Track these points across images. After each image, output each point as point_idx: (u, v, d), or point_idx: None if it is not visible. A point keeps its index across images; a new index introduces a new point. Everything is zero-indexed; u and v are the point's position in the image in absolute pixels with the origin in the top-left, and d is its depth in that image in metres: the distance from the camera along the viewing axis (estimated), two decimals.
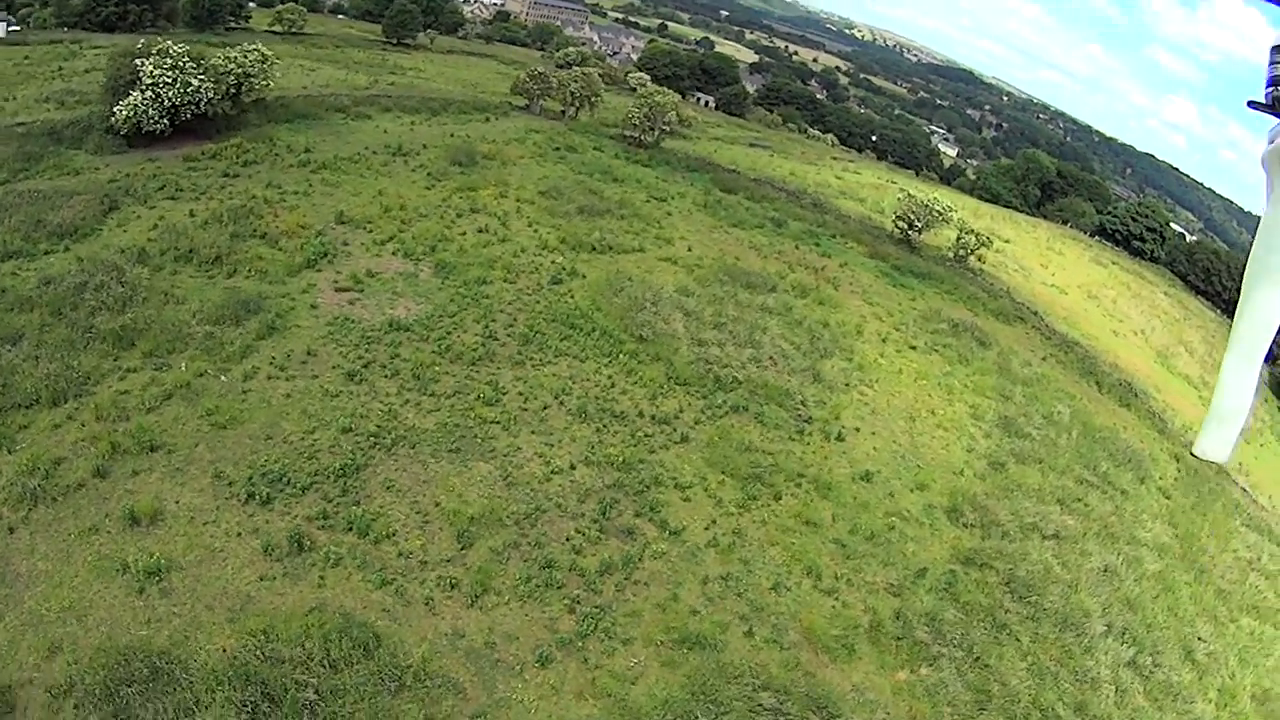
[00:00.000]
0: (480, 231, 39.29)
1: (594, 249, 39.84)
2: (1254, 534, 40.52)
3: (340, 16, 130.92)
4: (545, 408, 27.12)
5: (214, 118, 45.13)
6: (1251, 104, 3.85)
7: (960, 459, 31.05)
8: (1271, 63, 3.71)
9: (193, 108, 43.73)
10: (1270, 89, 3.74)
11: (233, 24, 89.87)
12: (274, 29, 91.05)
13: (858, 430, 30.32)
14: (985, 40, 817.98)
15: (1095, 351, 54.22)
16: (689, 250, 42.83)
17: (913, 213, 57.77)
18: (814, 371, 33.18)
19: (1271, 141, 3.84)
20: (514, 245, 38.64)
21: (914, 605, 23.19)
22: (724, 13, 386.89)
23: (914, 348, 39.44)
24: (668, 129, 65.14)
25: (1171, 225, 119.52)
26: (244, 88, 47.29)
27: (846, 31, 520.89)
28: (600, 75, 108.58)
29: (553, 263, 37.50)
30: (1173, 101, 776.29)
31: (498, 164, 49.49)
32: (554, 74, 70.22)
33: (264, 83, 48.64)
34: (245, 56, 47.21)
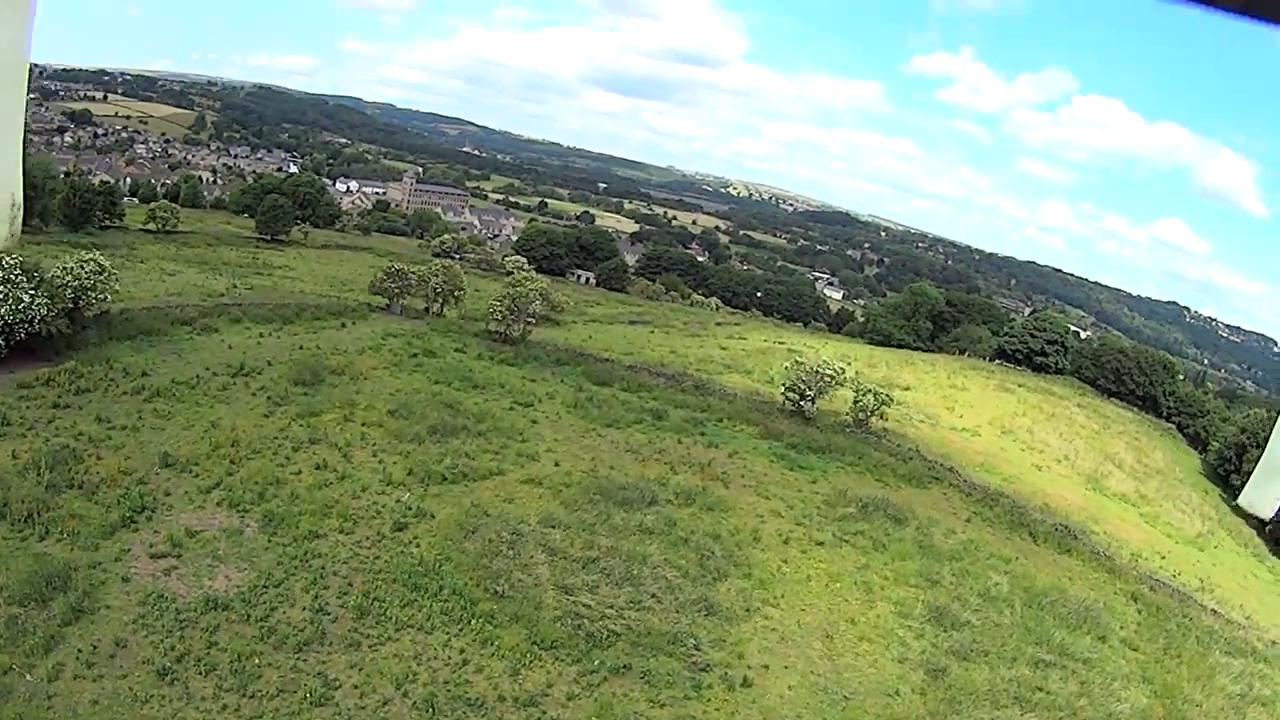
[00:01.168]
0: (318, 468, 37.29)
1: (445, 479, 37.96)
2: (1237, 660, 40.29)
3: (222, 210, 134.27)
4: (385, 703, 24.85)
5: (51, 337, 42.92)
6: None
7: (892, 675, 29.78)
8: None
9: (26, 326, 41.54)
10: None
11: (107, 223, 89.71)
12: (148, 227, 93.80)
13: (767, 668, 28.77)
14: (858, 180, 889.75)
15: (1022, 496, 54.52)
16: (556, 466, 41.60)
17: (803, 381, 58.34)
18: (706, 602, 31.64)
19: None
20: (354, 483, 36.63)
21: None
22: (602, 185, 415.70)
23: (821, 544, 38.61)
24: (533, 321, 64.98)
25: (1071, 329, 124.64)
26: (82, 302, 45.53)
27: (723, 190, 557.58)
28: (479, 261, 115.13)
29: (397, 503, 35.51)
30: (1047, 206, 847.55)
31: (346, 379, 47.97)
32: (414, 269, 69.91)
33: (103, 296, 47.01)
34: (82, 268, 45.62)
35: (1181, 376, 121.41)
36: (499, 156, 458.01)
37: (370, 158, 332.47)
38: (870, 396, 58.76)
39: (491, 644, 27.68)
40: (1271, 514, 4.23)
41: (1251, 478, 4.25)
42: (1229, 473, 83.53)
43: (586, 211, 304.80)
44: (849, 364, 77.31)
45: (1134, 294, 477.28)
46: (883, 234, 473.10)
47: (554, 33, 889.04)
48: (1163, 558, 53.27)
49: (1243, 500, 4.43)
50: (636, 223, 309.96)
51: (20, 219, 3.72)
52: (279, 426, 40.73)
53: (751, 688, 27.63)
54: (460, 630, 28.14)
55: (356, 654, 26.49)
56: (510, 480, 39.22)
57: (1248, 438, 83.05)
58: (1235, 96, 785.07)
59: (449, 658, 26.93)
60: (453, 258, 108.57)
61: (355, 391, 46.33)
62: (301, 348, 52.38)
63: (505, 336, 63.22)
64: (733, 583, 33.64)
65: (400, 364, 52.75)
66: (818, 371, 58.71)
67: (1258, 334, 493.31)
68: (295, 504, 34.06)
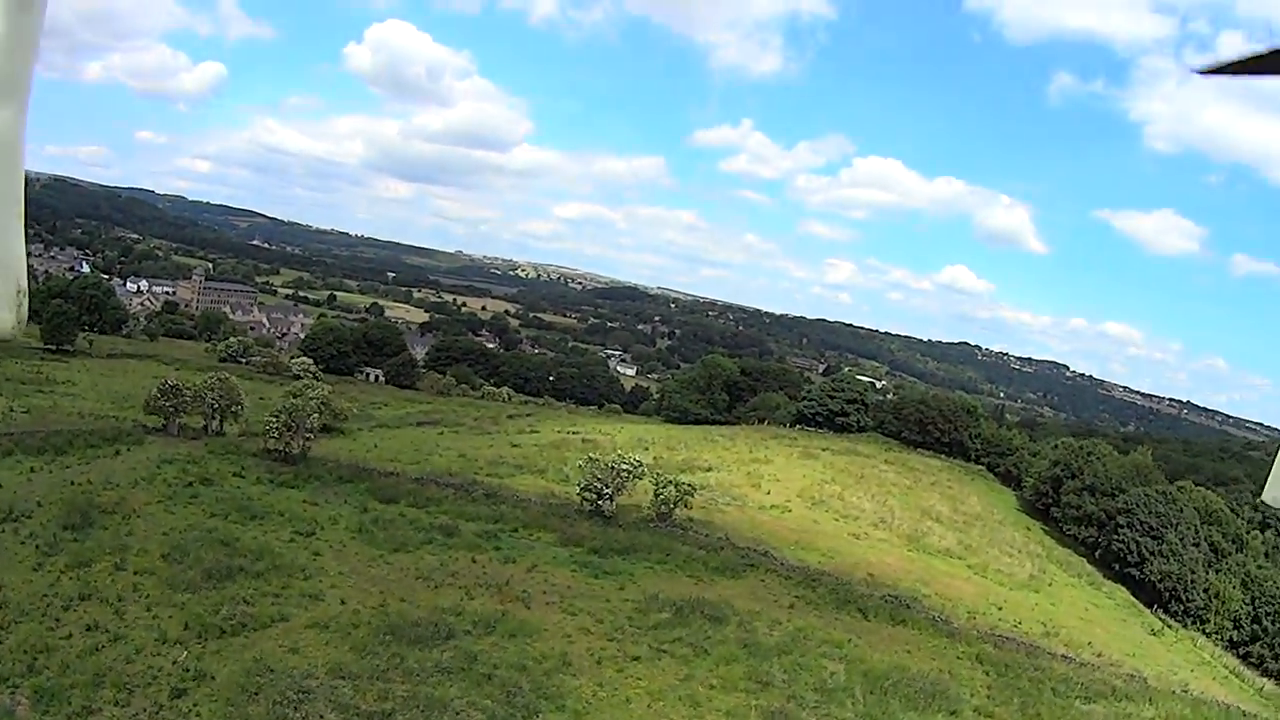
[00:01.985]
0: (89, 629, 33.48)
1: (224, 631, 34.25)
2: (1099, 704, 40.70)
3: None
4: None
5: None
6: None
7: None
8: None
9: None
10: None
11: None
12: None
13: None
14: (645, 254, 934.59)
15: (844, 570, 53.99)
16: (343, 604, 38.13)
17: (599, 479, 56.80)
18: None
19: None
20: (128, 645, 32.85)
21: None
22: (391, 274, 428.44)
23: (637, 658, 36.16)
24: (311, 436, 61.49)
25: (870, 383, 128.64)
26: None
27: (511, 273, 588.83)
28: (265, 365, 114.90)
29: (174, 664, 31.53)
30: (832, 264, 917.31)
31: (119, 519, 44.02)
32: (190, 385, 67.08)
33: None
34: None
35: (984, 415, 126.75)
36: (288, 249, 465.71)
37: (161, 254, 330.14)
38: (671, 488, 57.60)
39: None
40: None
41: (1272, 473, 4.14)
42: (1048, 506, 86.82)
43: (376, 303, 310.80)
44: (648, 447, 76.35)
45: (925, 339, 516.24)
46: (673, 305, 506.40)
47: (343, 121, 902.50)
48: (1000, 609, 53.53)
49: (1266, 495, 4.23)
50: (426, 312, 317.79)
51: (26, 305, 3.54)
52: (48, 581, 37.10)
53: None
54: None
55: None
56: (294, 626, 35.59)
57: (1061, 469, 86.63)
58: (1008, 146, 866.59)
59: None
60: (239, 362, 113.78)
61: (127, 533, 42.58)
62: (73, 483, 48.45)
63: (285, 455, 59.88)
64: (546, 719, 30.52)
65: (175, 496, 49.20)
66: (613, 468, 57.15)
67: (1049, 362, 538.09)
68: (67, 674, 30.66)
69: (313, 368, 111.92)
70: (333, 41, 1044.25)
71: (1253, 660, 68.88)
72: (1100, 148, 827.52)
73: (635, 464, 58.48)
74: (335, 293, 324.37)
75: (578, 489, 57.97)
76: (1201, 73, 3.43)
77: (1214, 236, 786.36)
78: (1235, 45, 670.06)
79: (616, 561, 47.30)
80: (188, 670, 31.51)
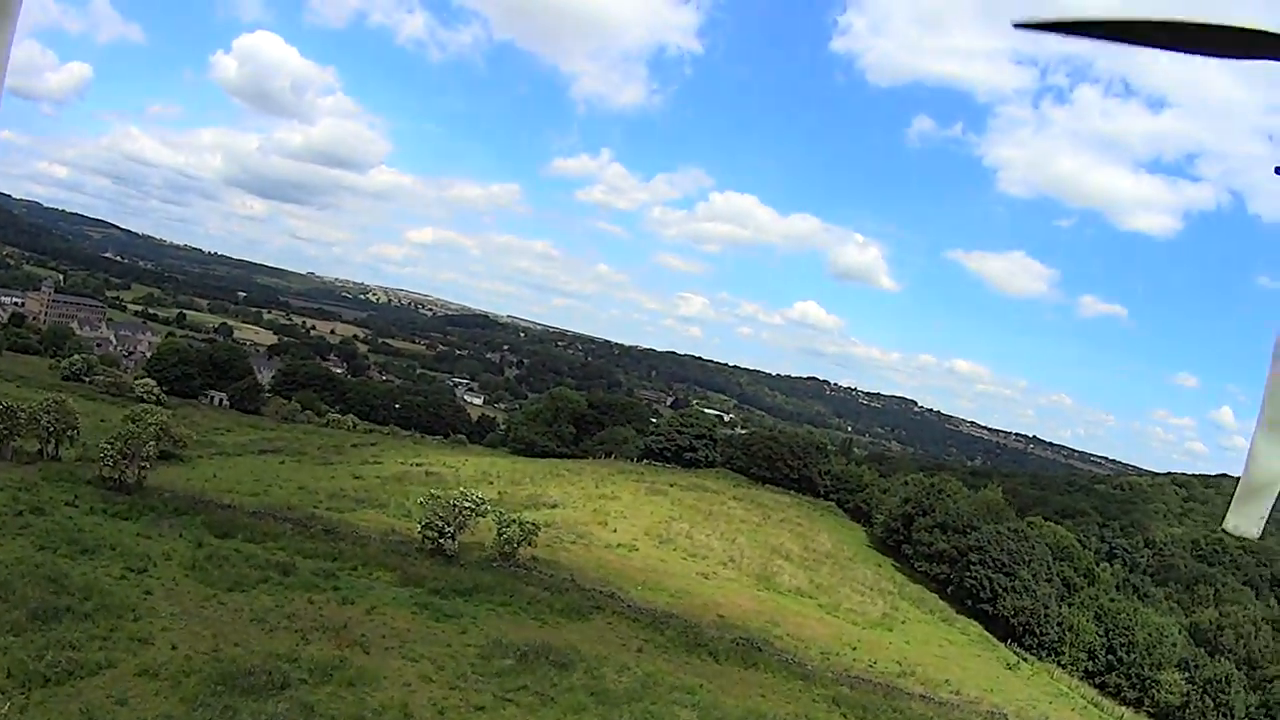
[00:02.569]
0: None
1: (48, 680, 31.52)
2: None
3: None
4: None
5: None
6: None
7: None
8: None
9: None
10: None
11: None
12: None
13: None
14: (497, 282, 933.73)
15: (693, 612, 54.05)
16: (174, 650, 35.90)
17: (440, 517, 55.80)
18: None
19: None
20: None
21: None
22: (242, 294, 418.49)
23: (481, 708, 35.21)
24: (147, 465, 59.29)
25: (719, 418, 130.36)
26: None
27: (362, 297, 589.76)
28: (109, 385, 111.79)
29: None
30: (684, 298, 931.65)
31: None
32: (24, 407, 64.64)
33: None
34: None
35: (834, 451, 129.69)
36: (141, 263, 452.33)
37: (12, 263, 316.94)
38: (515, 527, 57.18)
39: None
40: (1258, 533, 4.35)
41: (1233, 500, 4.36)
42: (899, 543, 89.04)
43: (225, 323, 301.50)
44: (492, 482, 75.40)
45: (773, 373, 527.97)
46: (522, 334, 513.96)
47: (204, 132, 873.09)
48: (854, 648, 54.36)
49: (1227, 524, 4.45)
50: (275, 334, 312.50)
51: None
52: None
53: None
54: None
55: None
56: (122, 673, 33.32)
57: (912, 506, 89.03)
58: (864, 185, 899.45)
59: None
60: (82, 381, 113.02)
61: None
62: None
63: (120, 483, 58.00)
64: None
65: (4, 526, 46.97)
66: (455, 505, 56.08)
67: (898, 397, 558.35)
68: None
69: (156, 390, 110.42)
70: (201, 48, 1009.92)
71: (1109, 690, 72.11)
72: (955, 191, 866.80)
73: (478, 502, 57.63)
74: (185, 311, 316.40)
75: (419, 527, 56.92)
76: (1018, 26, 3.64)
77: (1063, 278, 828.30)
78: (1092, 99, 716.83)
79: (458, 603, 46.23)
80: None
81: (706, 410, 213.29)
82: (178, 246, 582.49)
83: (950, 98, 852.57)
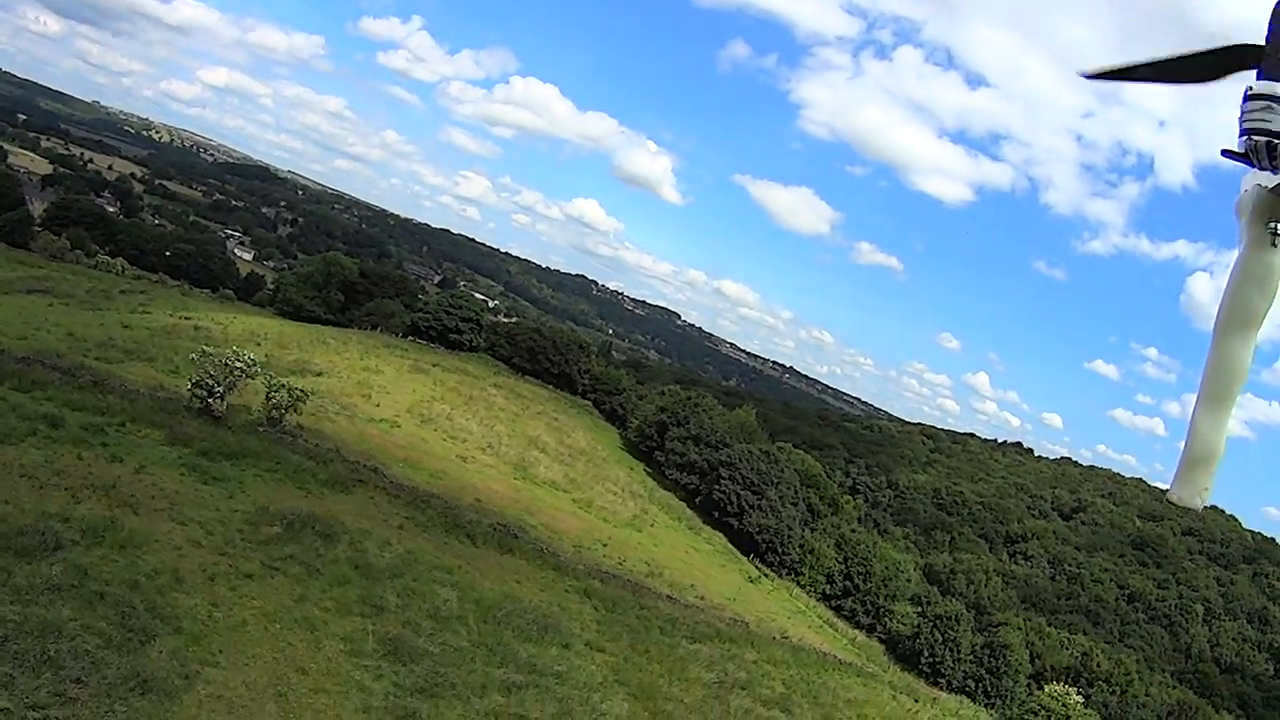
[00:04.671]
0: None
1: None
2: (705, 645, 44.64)
3: None
4: None
5: None
6: (1225, 152, 4.34)
7: None
8: (1244, 112, 4.11)
9: None
10: (1243, 138, 4.17)
11: None
12: None
13: None
14: (283, 135, 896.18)
15: (452, 493, 55.89)
16: None
17: (210, 376, 54.43)
18: (139, 677, 26.97)
19: (1244, 191, 4.56)
20: None
21: None
22: (22, 116, 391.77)
23: (250, 576, 35.34)
24: None
25: (486, 304, 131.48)
26: None
27: (145, 133, 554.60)
28: None
29: None
30: (466, 177, 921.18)
31: None
32: None
33: None
34: None
35: (595, 352, 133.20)
36: None
37: None
38: (284, 392, 56.83)
39: None
40: (1202, 505, 4.76)
41: (1176, 472, 4.80)
42: (652, 449, 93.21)
43: (1, 147, 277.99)
44: (259, 343, 74.27)
45: (544, 266, 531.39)
46: (300, 192, 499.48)
47: None
48: (605, 545, 57.45)
49: (1171, 495, 4.88)
50: (51, 163, 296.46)
51: None
52: None
53: None
54: None
55: None
56: None
57: (668, 415, 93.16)
58: (667, 97, 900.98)
59: None
60: None
61: None
62: None
63: None
64: (163, 643, 29.20)
65: None
66: (227, 364, 55.03)
67: (662, 308, 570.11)
68: None
69: None
70: None
71: (845, 613, 78.90)
72: (756, 119, 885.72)
73: (250, 362, 56.67)
74: None
75: (189, 385, 55.35)
76: (1088, 76, 4.29)
77: (846, 222, 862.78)
78: (912, 61, 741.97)
79: (225, 467, 45.77)
80: None
81: (475, 295, 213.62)
82: None
83: (770, 29, 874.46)
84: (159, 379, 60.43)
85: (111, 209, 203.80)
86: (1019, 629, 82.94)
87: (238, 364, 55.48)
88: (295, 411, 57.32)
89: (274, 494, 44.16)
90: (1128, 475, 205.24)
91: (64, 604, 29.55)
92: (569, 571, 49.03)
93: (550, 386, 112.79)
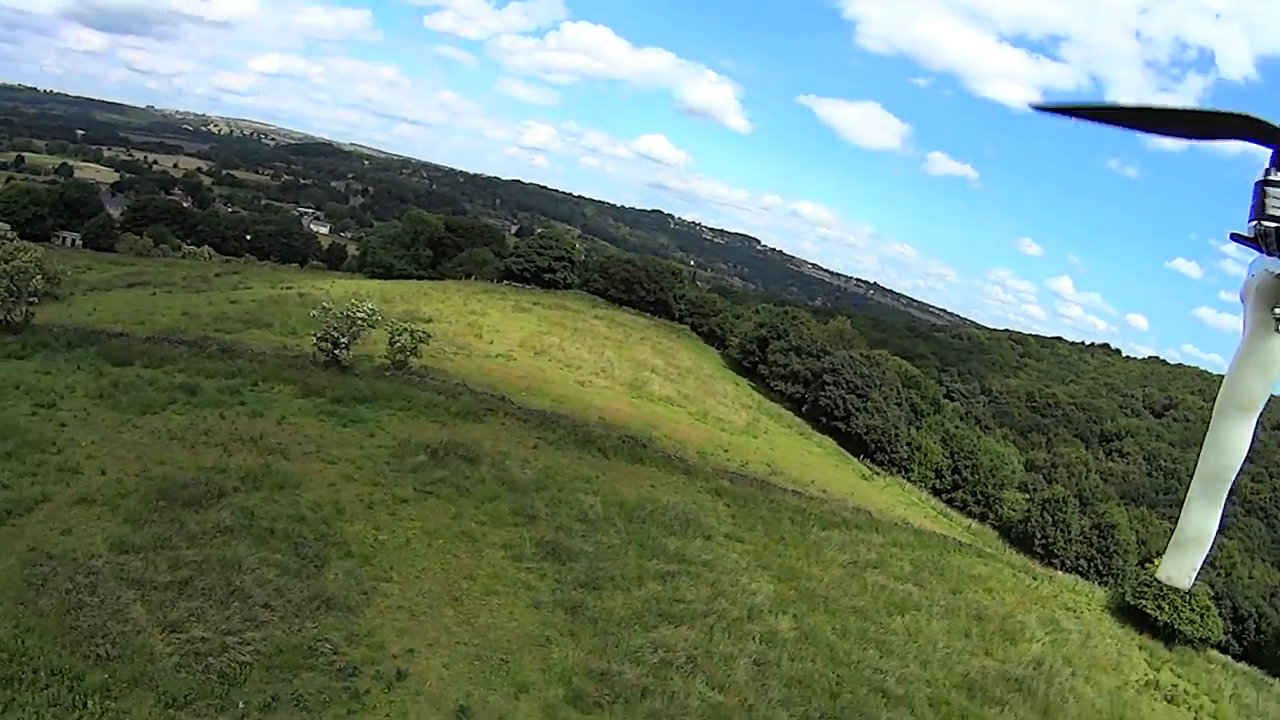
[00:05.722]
0: None
1: None
2: (834, 532, 45.77)
3: None
4: None
5: None
6: (1234, 236, 4.46)
7: (535, 623, 29.68)
8: (1256, 196, 4.14)
9: None
10: (1253, 222, 4.18)
11: None
12: None
13: (412, 652, 27.02)
14: (339, 110, 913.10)
15: (577, 414, 57.19)
16: (104, 475, 35.11)
17: (334, 329, 56.44)
18: (322, 597, 28.91)
19: (1251, 275, 4.44)
20: None
21: None
22: (80, 131, 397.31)
23: (405, 501, 37.22)
24: (35, 301, 56.53)
25: (576, 246, 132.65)
26: None
27: (204, 129, 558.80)
28: None
29: None
30: (529, 126, 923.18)
31: None
32: None
33: None
34: None
35: (688, 277, 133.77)
36: None
37: None
38: (406, 335, 58.65)
39: None
40: (1189, 584, 4.82)
41: (1167, 551, 4.86)
42: (754, 364, 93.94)
43: (65, 163, 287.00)
44: (363, 301, 76.24)
45: (618, 205, 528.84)
46: (366, 163, 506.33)
47: None
48: (726, 451, 58.58)
49: (1160, 573, 5.02)
50: (117, 171, 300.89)
51: None
52: None
53: (408, 679, 25.63)
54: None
55: None
56: (59, 505, 32.31)
57: (767, 330, 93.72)
58: (721, 25, 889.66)
59: None
60: None
61: None
62: None
63: (7, 324, 54.58)
64: (337, 566, 31.08)
65: None
66: (349, 316, 56.90)
67: (741, 234, 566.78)
68: None
69: (10, 233, 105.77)
70: None
71: (956, 504, 79.24)
72: (812, 40, 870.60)
73: (370, 312, 58.49)
74: (23, 154, 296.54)
75: (314, 339, 57.43)
76: (1038, 109, 4.15)
77: (915, 134, 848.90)
78: None
79: (361, 410, 47.53)
80: None
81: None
82: (11, 87, 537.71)
83: None
84: (280, 341, 62.48)
85: (186, 204, 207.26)
86: (1124, 517, 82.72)
87: (359, 315, 57.26)
88: (417, 354, 59.11)
89: (412, 428, 45.88)
90: (1215, 373, 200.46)
91: (238, 542, 31.43)
92: (698, 474, 50.26)
93: (648, 314, 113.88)
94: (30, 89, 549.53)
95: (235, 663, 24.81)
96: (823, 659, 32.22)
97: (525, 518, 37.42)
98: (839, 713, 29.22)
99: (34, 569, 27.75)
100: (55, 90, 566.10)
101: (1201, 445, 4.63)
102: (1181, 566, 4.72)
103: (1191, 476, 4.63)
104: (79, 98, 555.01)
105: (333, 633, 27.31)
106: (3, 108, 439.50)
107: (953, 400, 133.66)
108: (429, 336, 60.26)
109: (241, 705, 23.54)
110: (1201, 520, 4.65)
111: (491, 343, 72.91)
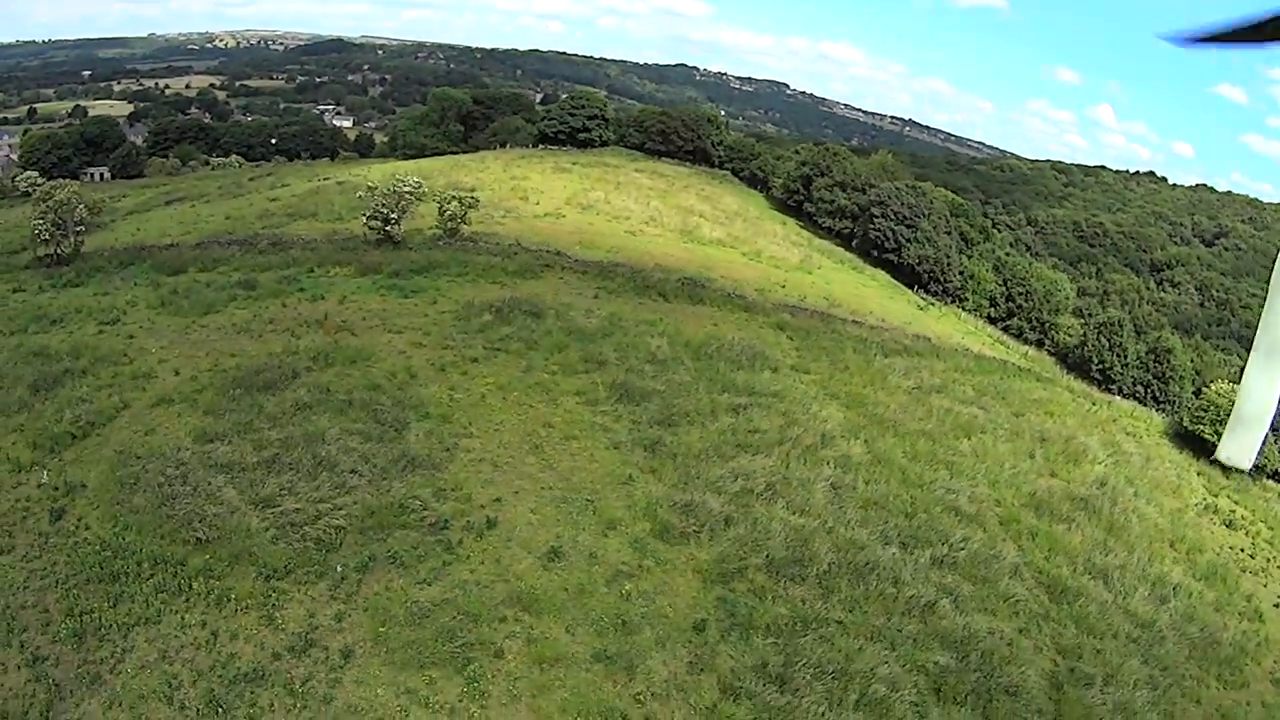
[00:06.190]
0: None
1: (75, 437, 31.25)
2: (897, 359, 45.98)
3: None
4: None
5: None
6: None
7: (616, 462, 30.13)
8: None
9: None
10: None
11: None
12: None
13: (499, 501, 27.56)
14: (346, 4, 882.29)
15: (632, 263, 56.88)
16: (177, 374, 35.97)
17: (384, 207, 56.53)
18: (407, 458, 29.39)
19: None
20: None
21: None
22: (86, 73, 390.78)
23: (475, 360, 37.56)
24: (83, 229, 57.15)
25: (609, 105, 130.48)
26: None
27: (209, 45, 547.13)
28: None
29: (39, 488, 28.37)
30: None
31: None
32: None
33: None
34: None
35: (724, 123, 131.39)
36: None
37: None
38: (455, 203, 58.56)
39: (227, 602, 23.30)
40: (1249, 463, 4.49)
41: (1226, 431, 4.54)
42: (800, 203, 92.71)
43: (78, 106, 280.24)
44: (403, 181, 76.20)
45: (641, 63, 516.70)
46: (379, 52, 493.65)
47: None
48: (782, 287, 58.31)
49: (1220, 454, 4.65)
50: (130, 102, 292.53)
51: None
52: None
53: (497, 526, 26.25)
54: (189, 603, 23.22)
55: (98, 689, 20.95)
56: (140, 409, 33.29)
57: (810, 168, 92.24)
58: None
59: (199, 641, 22.14)
60: None
61: None
62: None
63: (58, 257, 55.56)
64: (417, 427, 31.53)
65: None
66: (396, 192, 56.79)
67: (769, 81, 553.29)
68: None
69: (40, 180, 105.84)
70: None
71: (1012, 331, 78.50)
72: None
73: (416, 185, 58.28)
74: (34, 106, 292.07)
75: (363, 220, 57.73)
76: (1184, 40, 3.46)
77: None
78: None
79: (420, 280, 47.73)
80: (56, 489, 28.70)
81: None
82: (9, 45, 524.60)
83: None
84: (328, 228, 62.50)
85: (206, 120, 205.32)
86: (1179, 344, 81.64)
87: (405, 190, 57.07)
88: (467, 221, 58.90)
89: (473, 291, 45.99)
90: (1268, 202, 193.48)
91: (318, 416, 31.86)
92: (759, 310, 50.20)
93: (688, 164, 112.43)
94: (30, 42, 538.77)
95: (330, 528, 25.52)
96: (895, 481, 32.59)
97: (595, 364, 37.66)
98: (915, 531, 29.66)
99: (125, 469, 28.50)
100: (54, 39, 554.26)
101: (1263, 292, 4.46)
102: (1243, 446, 4.48)
103: (1249, 349, 4.35)
104: (80, 40, 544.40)
105: (421, 490, 27.83)
106: (6, 67, 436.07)
107: (999, 232, 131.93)
108: (477, 202, 59.97)
109: (339, 569, 24.28)
110: (1261, 397, 4.41)
111: (538, 203, 72.46)
